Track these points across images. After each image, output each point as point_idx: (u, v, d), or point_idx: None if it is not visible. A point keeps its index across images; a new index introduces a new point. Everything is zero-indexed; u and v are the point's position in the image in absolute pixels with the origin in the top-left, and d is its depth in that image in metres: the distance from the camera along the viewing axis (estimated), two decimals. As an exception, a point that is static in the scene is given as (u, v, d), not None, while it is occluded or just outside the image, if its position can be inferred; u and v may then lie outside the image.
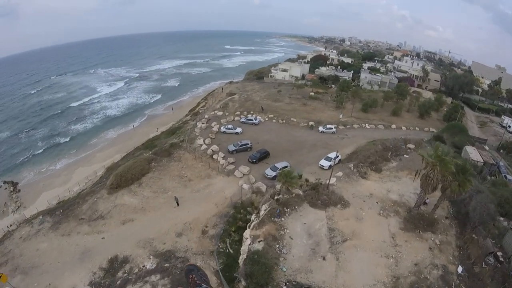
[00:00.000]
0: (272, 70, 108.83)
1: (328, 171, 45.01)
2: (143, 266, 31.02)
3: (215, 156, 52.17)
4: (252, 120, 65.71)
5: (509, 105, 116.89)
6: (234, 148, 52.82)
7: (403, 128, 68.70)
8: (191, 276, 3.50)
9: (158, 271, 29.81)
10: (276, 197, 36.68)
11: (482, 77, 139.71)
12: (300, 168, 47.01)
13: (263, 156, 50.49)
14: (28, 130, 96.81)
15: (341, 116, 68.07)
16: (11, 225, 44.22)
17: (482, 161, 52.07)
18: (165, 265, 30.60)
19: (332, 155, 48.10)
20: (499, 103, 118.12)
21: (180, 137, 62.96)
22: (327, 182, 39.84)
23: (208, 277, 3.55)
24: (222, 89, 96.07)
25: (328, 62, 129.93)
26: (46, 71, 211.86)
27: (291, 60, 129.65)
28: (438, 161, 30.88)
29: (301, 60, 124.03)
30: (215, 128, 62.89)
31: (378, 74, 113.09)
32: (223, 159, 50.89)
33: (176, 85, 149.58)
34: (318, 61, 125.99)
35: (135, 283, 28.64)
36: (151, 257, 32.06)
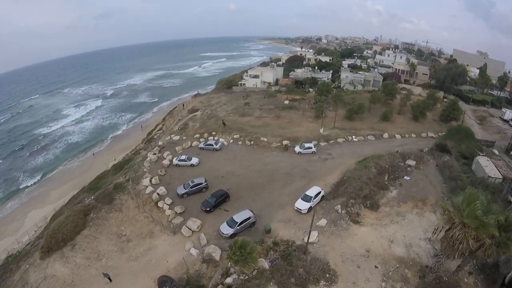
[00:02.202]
0: (243, 77, 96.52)
1: (307, 216, 33.42)
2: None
3: (160, 204, 40.08)
4: (212, 145, 53.32)
5: (501, 94, 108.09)
6: (184, 191, 40.70)
7: (397, 136, 57.48)
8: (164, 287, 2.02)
9: None
10: (225, 282, 24.61)
11: (467, 65, 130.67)
12: (270, 213, 35.65)
13: (221, 200, 38.30)
14: None
15: (321, 130, 56.22)
16: None
17: (501, 176, 41.06)
18: None
19: (312, 191, 36.32)
20: (489, 92, 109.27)
21: (127, 174, 50.48)
22: (305, 240, 28.21)
23: None
24: (183, 105, 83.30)
25: (304, 62, 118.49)
26: (16, 94, 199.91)
27: (264, 65, 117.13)
28: (474, 223, 19.30)
29: (273, 63, 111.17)
30: (166, 160, 50.54)
31: (360, 72, 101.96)
32: (169, 209, 38.71)
33: (147, 101, 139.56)
34: (294, 62, 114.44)
35: None
36: None
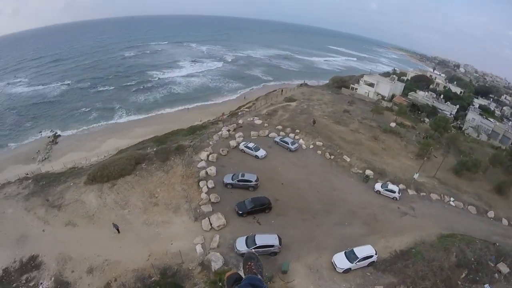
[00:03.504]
0: (359, 81, 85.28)
1: (339, 278, 25.53)
2: (40, 284, 28.90)
3: (202, 184, 36.78)
4: (288, 143, 46.99)
5: None
6: (230, 182, 36.45)
7: (504, 221, 39.59)
8: (249, 263, 3.56)
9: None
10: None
11: None
12: (301, 251, 28.62)
13: (259, 209, 32.50)
14: (99, 88, 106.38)
15: (416, 175, 43.98)
16: (26, 174, 48.70)
17: None
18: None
19: (362, 251, 27.28)
20: None
21: (194, 140, 48.95)
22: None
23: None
24: (282, 91, 77.75)
25: (431, 86, 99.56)
26: (148, 37, 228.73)
27: (386, 75, 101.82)
28: None
29: (395, 76, 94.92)
30: (234, 142, 46.67)
31: (491, 119, 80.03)
32: (206, 193, 34.97)
33: (260, 76, 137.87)
34: (419, 82, 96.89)
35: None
36: (53, 278, 29.17)
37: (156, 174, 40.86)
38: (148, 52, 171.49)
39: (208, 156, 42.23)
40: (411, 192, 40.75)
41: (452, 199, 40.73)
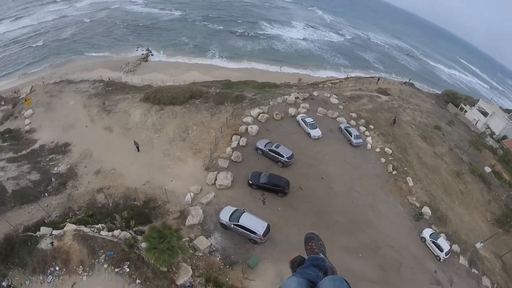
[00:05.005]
0: (475, 106, 68.89)
1: None
2: (58, 166, 32.02)
3: (234, 138, 33.67)
4: (351, 134, 39.60)
5: None
6: (262, 147, 33.01)
7: None
8: (310, 243, 3.62)
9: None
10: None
11: None
12: (285, 252, 23.33)
13: (272, 188, 28.28)
14: (208, 25, 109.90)
15: (480, 245, 32.68)
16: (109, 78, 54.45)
17: None
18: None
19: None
20: None
21: (257, 95, 45.92)
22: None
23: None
24: (379, 79, 66.29)
25: None
26: None
27: (506, 111, 79.79)
28: None
29: None
30: (294, 110, 41.75)
31: None
32: (232, 148, 32.07)
33: (371, 61, 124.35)
34: None
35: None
36: (68, 166, 32.18)
37: (202, 113, 39.77)
38: (268, 5, 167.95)
39: (258, 114, 38.68)
40: (462, 260, 30.89)
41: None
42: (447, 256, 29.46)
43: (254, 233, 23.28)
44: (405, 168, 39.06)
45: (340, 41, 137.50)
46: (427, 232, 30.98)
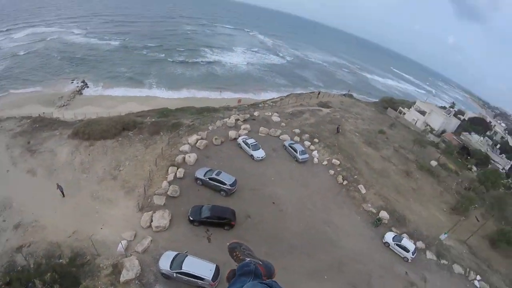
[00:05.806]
0: (411, 107, 73.52)
1: None
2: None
3: (171, 170, 30.83)
4: (296, 151, 38.73)
5: None
6: (201, 177, 29.92)
7: None
8: (235, 253, 3.38)
9: None
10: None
11: None
12: None
13: (216, 222, 25.51)
14: (148, 54, 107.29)
15: (444, 235, 33.61)
16: (43, 113, 50.03)
17: None
18: None
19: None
20: None
21: (195, 121, 43.44)
22: None
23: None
24: (319, 93, 68.52)
25: (487, 133, 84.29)
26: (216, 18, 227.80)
27: (441, 108, 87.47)
28: None
29: (453, 109, 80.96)
30: (235, 133, 39.83)
31: None
32: (169, 182, 28.95)
33: (310, 79, 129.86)
34: (476, 125, 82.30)
35: None
36: None
37: (135, 146, 36.13)
38: (210, 32, 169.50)
39: (197, 141, 36.01)
40: (429, 255, 30.54)
41: (478, 277, 30.05)
42: (414, 255, 28.91)
43: (201, 279, 20.06)
44: (355, 177, 38.64)
45: (280, 63, 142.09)
46: (389, 236, 30.26)
